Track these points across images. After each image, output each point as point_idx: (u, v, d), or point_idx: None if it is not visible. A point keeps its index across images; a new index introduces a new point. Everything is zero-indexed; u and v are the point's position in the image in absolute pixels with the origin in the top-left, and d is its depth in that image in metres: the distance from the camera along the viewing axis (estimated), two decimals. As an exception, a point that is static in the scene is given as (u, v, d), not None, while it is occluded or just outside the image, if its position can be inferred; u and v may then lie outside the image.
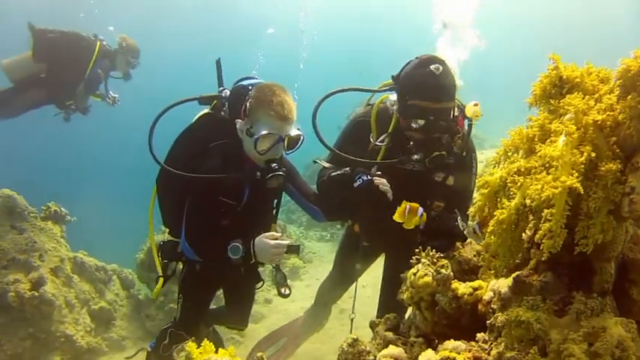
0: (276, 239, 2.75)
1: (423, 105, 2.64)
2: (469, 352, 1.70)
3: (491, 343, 1.69)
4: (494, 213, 1.49)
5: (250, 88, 2.78)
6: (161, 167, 2.92)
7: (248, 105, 2.68)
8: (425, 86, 2.63)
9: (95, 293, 5.45)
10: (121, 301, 5.76)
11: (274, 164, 2.75)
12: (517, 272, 1.58)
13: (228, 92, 2.96)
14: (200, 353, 1.82)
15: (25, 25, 5.45)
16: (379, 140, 2.84)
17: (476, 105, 2.72)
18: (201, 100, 3.00)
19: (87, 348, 4.93)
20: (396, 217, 2.53)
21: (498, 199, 1.56)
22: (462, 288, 1.87)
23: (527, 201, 1.42)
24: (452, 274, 1.91)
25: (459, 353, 1.69)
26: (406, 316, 3.03)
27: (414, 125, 2.67)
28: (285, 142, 2.71)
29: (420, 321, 2.07)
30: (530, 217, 1.48)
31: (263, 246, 2.71)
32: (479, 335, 1.76)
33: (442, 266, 1.91)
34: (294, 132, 2.72)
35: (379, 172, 2.77)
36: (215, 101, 2.97)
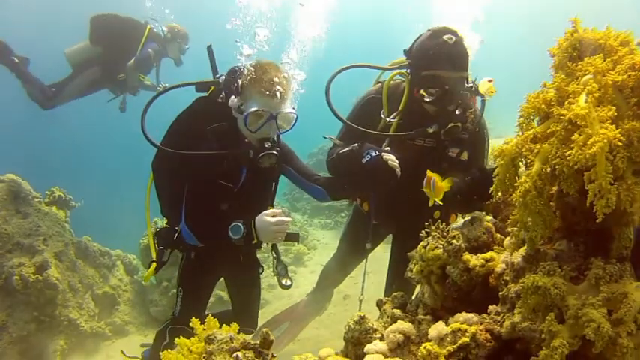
0: (276, 216, 2.71)
1: (438, 74, 2.63)
2: (481, 324, 1.67)
3: (504, 315, 1.66)
4: (517, 184, 1.45)
5: (243, 67, 2.72)
6: (157, 150, 2.88)
7: (240, 82, 2.64)
8: (439, 55, 2.61)
9: (99, 278, 5.45)
10: (124, 287, 5.76)
11: (267, 144, 2.70)
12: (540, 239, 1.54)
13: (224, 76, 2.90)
14: (204, 329, 1.79)
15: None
16: (391, 117, 2.81)
17: (490, 81, 2.69)
18: (198, 86, 2.95)
19: (90, 332, 4.95)
20: (426, 190, 2.43)
21: (516, 168, 1.52)
22: (474, 260, 1.84)
23: (547, 167, 1.39)
24: (463, 245, 1.88)
25: (470, 325, 1.67)
26: (413, 296, 3.02)
27: (427, 98, 2.65)
28: (277, 121, 2.67)
29: (430, 296, 2.04)
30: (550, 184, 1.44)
31: (264, 224, 2.67)
32: (491, 307, 1.73)
33: (453, 237, 1.88)
34: (286, 109, 2.68)
35: (388, 148, 2.74)
36: (212, 87, 2.91)
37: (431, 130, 2.68)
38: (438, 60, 2.62)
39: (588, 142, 1.17)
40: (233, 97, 2.69)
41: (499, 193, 1.67)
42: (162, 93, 2.86)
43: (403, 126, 2.80)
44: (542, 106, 1.43)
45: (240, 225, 2.65)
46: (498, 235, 2.11)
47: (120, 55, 5.93)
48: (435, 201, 2.40)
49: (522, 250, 1.64)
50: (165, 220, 3.16)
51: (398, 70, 2.91)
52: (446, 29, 2.65)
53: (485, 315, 1.73)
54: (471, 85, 2.73)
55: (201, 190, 2.79)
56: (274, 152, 2.70)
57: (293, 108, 2.73)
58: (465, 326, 1.65)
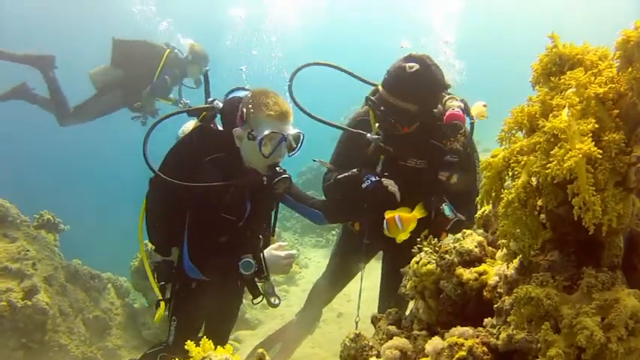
0: (283, 249, 2.75)
1: (381, 93, 2.71)
2: (477, 337, 1.67)
3: (500, 327, 1.67)
4: (502, 195, 1.47)
5: (244, 96, 2.74)
6: (152, 181, 2.85)
7: (245, 110, 2.63)
8: (390, 77, 2.69)
9: (90, 302, 5.37)
10: (115, 310, 5.68)
11: (279, 168, 2.71)
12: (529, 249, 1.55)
13: (220, 103, 2.90)
14: (198, 352, 1.77)
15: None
16: (372, 135, 2.84)
17: (484, 106, 2.72)
18: (189, 113, 2.95)
19: (82, 357, 4.83)
20: (391, 233, 2.49)
21: (503, 181, 1.55)
22: (467, 273, 1.85)
23: (533, 179, 1.42)
24: (456, 259, 1.89)
25: (466, 339, 1.67)
26: (407, 312, 3.02)
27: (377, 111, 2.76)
28: (287, 143, 2.67)
29: (424, 311, 2.04)
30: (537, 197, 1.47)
31: (274, 259, 2.69)
32: (486, 320, 1.74)
33: (446, 252, 1.89)
34: (294, 130, 2.69)
35: (386, 173, 2.77)
36: (204, 113, 2.90)
37: (369, 136, 2.79)
38: (388, 80, 2.70)
39: (565, 157, 1.20)
40: (238, 127, 2.67)
41: (485, 205, 1.70)
42: (157, 123, 2.80)
43: (386, 141, 2.84)
44: (525, 120, 1.45)
45: (252, 261, 2.64)
46: (490, 248, 2.13)
47: (139, 80, 6.15)
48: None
49: (515, 263, 1.65)
50: (153, 248, 3.09)
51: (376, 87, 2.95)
52: (417, 57, 2.67)
53: (480, 328, 1.73)
54: (462, 106, 2.74)
55: (205, 223, 2.74)
56: (287, 176, 2.71)
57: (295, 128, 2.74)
58: (461, 340, 1.65)
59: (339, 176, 2.90)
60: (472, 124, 2.85)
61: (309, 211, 3.07)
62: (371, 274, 3.74)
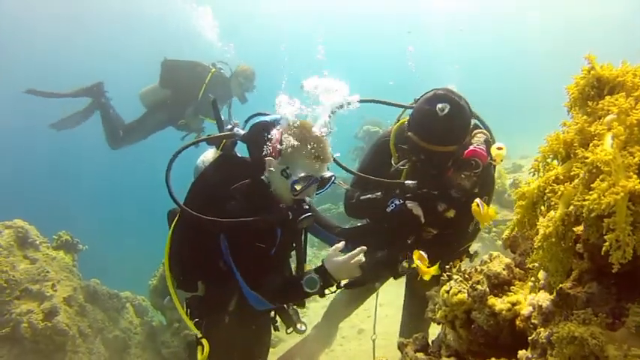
0: (340, 251, 2.57)
1: (416, 141, 2.60)
2: (512, 371, 1.61)
3: (535, 361, 1.60)
4: (537, 226, 1.41)
5: (275, 124, 2.64)
6: (178, 216, 2.77)
7: (284, 145, 2.54)
8: (422, 124, 2.59)
9: (109, 322, 5.36)
10: (135, 329, 5.67)
11: (304, 204, 2.65)
12: (560, 285, 1.49)
13: (240, 130, 2.83)
14: None
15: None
16: (401, 164, 2.81)
17: (500, 149, 2.63)
18: (209, 141, 2.91)
19: (102, 378, 4.84)
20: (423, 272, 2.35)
21: (537, 211, 1.48)
22: (500, 304, 1.78)
23: (571, 209, 1.35)
24: (488, 289, 1.83)
25: (500, 373, 1.60)
26: (430, 333, 2.95)
27: (414, 158, 2.68)
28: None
29: (454, 340, 1.98)
30: (576, 228, 1.40)
31: (338, 265, 2.53)
32: (520, 353, 1.66)
33: (477, 282, 1.83)
34: (328, 173, 2.62)
35: (409, 195, 2.73)
36: (224, 141, 2.84)
37: (408, 183, 2.72)
38: (421, 128, 2.59)
39: (607, 192, 1.13)
40: (272, 159, 2.58)
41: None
42: (178, 154, 2.73)
43: (412, 172, 2.80)
44: (561, 148, 1.39)
45: (314, 276, 2.51)
46: (517, 269, 2.06)
47: (185, 100, 6.30)
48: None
49: (551, 293, 1.58)
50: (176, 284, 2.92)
51: (405, 119, 2.89)
52: (444, 96, 2.57)
53: None
54: (480, 147, 2.67)
55: (248, 252, 2.63)
56: (312, 214, 2.65)
57: (328, 169, 2.66)
58: (494, 375, 1.59)
59: (362, 197, 2.88)
60: (494, 167, 2.78)
61: (333, 239, 2.99)
62: (387, 289, 3.68)
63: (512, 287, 1.96)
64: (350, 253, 2.51)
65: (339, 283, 2.59)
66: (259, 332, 3.11)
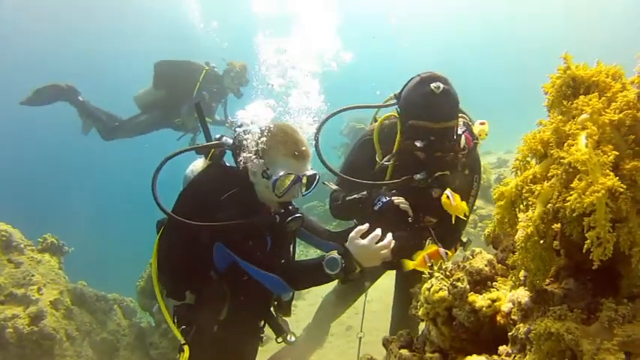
0: (365, 233, 2.38)
1: (422, 125, 2.61)
2: (492, 367, 1.63)
3: (515, 356, 1.62)
4: (517, 227, 1.43)
5: (259, 130, 2.61)
6: (168, 225, 2.72)
7: (262, 146, 2.53)
8: (424, 106, 2.60)
9: (97, 324, 5.33)
10: (123, 331, 5.63)
11: (291, 206, 2.62)
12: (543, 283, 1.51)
13: (229, 139, 2.79)
14: None
15: None
16: (385, 160, 2.82)
17: (482, 124, 2.69)
18: (197, 150, 2.86)
19: (90, 381, 4.81)
20: (419, 267, 2.32)
21: (517, 210, 1.51)
22: (480, 301, 1.81)
23: (549, 207, 1.38)
24: (468, 286, 1.85)
25: (482, 369, 1.63)
26: (419, 330, 2.97)
27: (417, 144, 2.65)
28: (303, 183, 2.57)
29: (437, 336, 2.00)
30: (554, 225, 1.43)
31: (362, 248, 2.35)
32: (501, 348, 1.70)
33: (458, 279, 1.85)
34: (310, 171, 2.59)
35: (394, 191, 2.74)
36: (212, 150, 2.79)
37: (418, 177, 2.69)
38: (422, 111, 2.60)
39: (587, 191, 1.16)
40: (255, 160, 2.56)
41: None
42: (168, 159, 2.67)
43: (399, 167, 2.80)
44: (539, 147, 1.41)
45: (336, 257, 2.35)
46: (499, 265, 2.09)
47: (179, 99, 6.31)
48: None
49: (529, 290, 1.61)
50: (165, 293, 2.84)
51: (389, 114, 2.92)
52: (435, 76, 2.62)
53: (495, 357, 1.69)
54: (464, 130, 2.72)
55: (257, 247, 2.56)
56: (300, 215, 2.62)
57: (312, 168, 2.63)
58: (476, 370, 1.61)
59: (348, 198, 2.87)
60: (476, 144, 2.81)
61: (324, 243, 2.96)
62: (376, 285, 3.70)
63: (495, 283, 1.99)
64: (372, 234, 2.36)
65: (362, 268, 2.40)
66: (248, 340, 3.05)
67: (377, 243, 2.36)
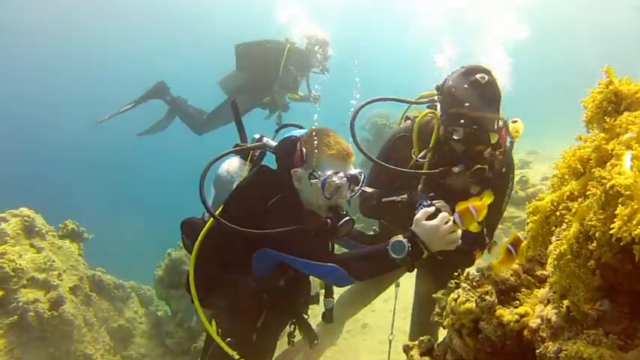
0: (431, 214, 2.27)
1: (465, 113, 2.59)
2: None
3: (542, 376, 1.59)
4: (551, 245, 1.39)
5: (302, 136, 2.61)
6: (211, 230, 2.62)
7: (305, 150, 2.50)
8: (469, 94, 2.58)
9: (114, 311, 5.41)
10: (139, 319, 5.71)
11: (342, 210, 2.55)
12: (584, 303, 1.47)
13: (270, 141, 2.79)
14: None
15: None
16: (421, 156, 2.79)
17: (515, 122, 2.66)
18: (237, 153, 2.83)
19: (106, 367, 4.89)
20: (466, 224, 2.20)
21: (550, 225, 1.46)
22: (508, 315, 1.77)
23: (585, 228, 1.33)
24: (496, 300, 1.81)
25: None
26: (439, 335, 2.94)
27: (455, 136, 2.63)
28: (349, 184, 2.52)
29: (460, 347, 1.97)
30: (589, 245, 1.38)
31: (430, 230, 2.23)
32: (528, 367, 1.66)
33: (486, 292, 1.81)
34: (355, 171, 2.55)
35: (432, 194, 2.68)
36: (251, 152, 2.77)
37: (456, 170, 2.64)
38: (467, 98, 2.58)
39: (634, 219, 1.11)
40: (297, 168, 2.54)
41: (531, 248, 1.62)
42: (211, 164, 2.62)
43: (434, 164, 2.77)
44: (578, 165, 1.37)
45: (402, 240, 2.24)
46: (525, 275, 2.05)
47: (265, 78, 6.35)
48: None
49: (560, 309, 1.56)
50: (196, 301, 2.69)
51: (428, 111, 2.88)
52: (479, 68, 2.62)
53: None
54: (501, 127, 2.69)
55: (309, 245, 2.49)
56: (350, 218, 2.53)
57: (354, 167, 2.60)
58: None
59: (384, 199, 2.81)
60: (512, 143, 2.78)
61: (359, 246, 2.93)
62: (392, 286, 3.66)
63: (519, 294, 1.95)
64: (442, 214, 2.25)
65: (430, 253, 2.29)
66: (274, 342, 3.03)
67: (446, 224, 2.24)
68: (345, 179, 2.47)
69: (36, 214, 5.15)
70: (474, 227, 2.20)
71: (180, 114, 6.79)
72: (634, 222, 1.10)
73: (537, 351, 1.64)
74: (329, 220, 2.48)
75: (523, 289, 1.97)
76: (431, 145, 2.78)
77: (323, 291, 2.98)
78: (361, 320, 5.51)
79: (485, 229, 2.84)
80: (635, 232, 1.08)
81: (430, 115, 2.87)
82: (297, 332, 2.99)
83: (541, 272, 1.97)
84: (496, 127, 2.66)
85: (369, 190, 2.89)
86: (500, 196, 2.88)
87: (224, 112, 6.56)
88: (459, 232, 2.26)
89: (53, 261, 4.87)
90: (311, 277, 2.89)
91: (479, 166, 2.62)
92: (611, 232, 1.15)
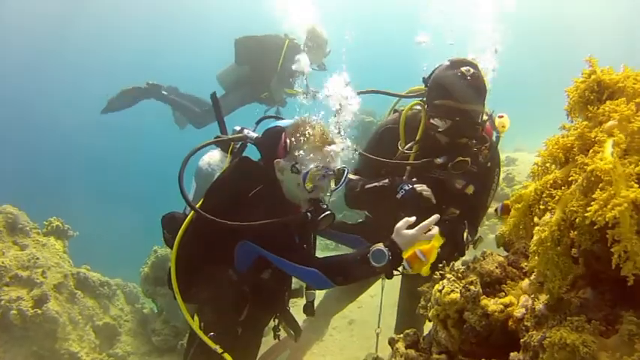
0: (412, 224, 2.27)
1: (449, 104, 2.60)
2: (504, 374, 1.60)
3: (526, 364, 1.59)
4: (534, 231, 1.40)
5: (286, 127, 2.58)
6: (192, 223, 2.59)
7: (288, 142, 2.48)
8: (454, 86, 2.59)
9: (99, 309, 5.35)
10: (125, 316, 5.65)
11: (322, 204, 2.51)
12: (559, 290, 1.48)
13: (251, 133, 2.75)
14: None
15: None
16: (407, 148, 2.79)
17: (501, 117, 2.68)
18: (218, 144, 2.79)
19: (92, 365, 4.83)
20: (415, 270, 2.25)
21: (533, 214, 1.47)
22: (493, 305, 1.78)
23: (568, 214, 1.34)
24: (481, 290, 1.82)
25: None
26: (424, 329, 2.94)
27: (440, 128, 2.63)
28: (331, 177, 2.51)
29: (446, 339, 1.97)
30: (572, 233, 1.39)
31: (409, 239, 2.24)
32: (512, 355, 1.66)
33: (471, 282, 1.82)
34: (340, 165, 2.52)
35: (415, 179, 2.70)
36: (232, 144, 2.74)
37: (439, 161, 2.65)
38: (452, 90, 2.59)
39: (610, 203, 1.12)
40: (280, 159, 2.51)
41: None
42: (190, 155, 2.55)
43: (420, 157, 2.77)
44: (560, 154, 1.38)
45: (383, 249, 2.24)
46: (510, 267, 2.05)
47: (264, 73, 6.29)
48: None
49: (543, 298, 1.58)
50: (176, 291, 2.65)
51: (416, 100, 2.89)
52: (465, 61, 2.64)
53: None
54: (487, 118, 2.70)
55: (291, 242, 2.50)
56: (331, 212, 2.50)
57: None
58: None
59: (367, 185, 2.81)
60: (498, 137, 2.79)
61: (347, 237, 2.93)
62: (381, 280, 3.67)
63: (504, 286, 1.96)
64: (422, 224, 2.25)
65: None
66: (259, 336, 3.02)
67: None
68: (327, 173, 2.46)
69: (20, 212, 5.08)
70: (424, 271, 2.22)
71: (180, 110, 6.74)
72: (609, 206, 1.11)
73: (522, 340, 1.65)
74: (309, 214, 2.46)
75: (509, 281, 1.98)
76: (417, 138, 2.78)
77: (304, 284, 2.95)
78: (348, 317, 5.50)
79: (467, 235, 2.83)
80: (608, 216, 1.08)
81: (417, 107, 2.88)
82: (281, 327, 2.97)
83: (526, 264, 1.98)
84: (480, 120, 2.67)
85: (353, 177, 2.89)
86: (486, 190, 2.89)
87: (225, 106, 6.50)
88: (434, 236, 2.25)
89: (37, 258, 4.80)
90: None
91: (460, 158, 2.63)
92: (586, 214, 1.16)
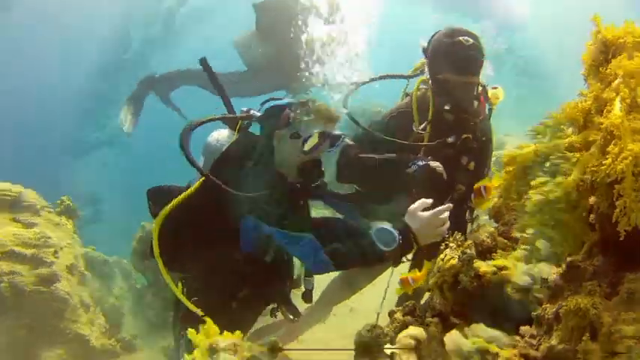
0: (427, 207, 2.15)
1: (451, 78, 2.61)
2: (514, 347, 1.55)
3: (540, 338, 1.53)
4: (531, 193, 1.38)
5: (289, 102, 2.60)
6: (201, 183, 2.49)
7: (292, 114, 2.48)
8: (452, 57, 2.59)
9: (106, 290, 5.37)
10: (125, 295, 5.68)
11: (319, 167, 2.51)
12: (570, 258, 1.45)
13: (257, 113, 2.72)
14: (203, 340, 1.66)
15: None
16: (421, 128, 2.76)
17: (495, 88, 2.67)
18: (225, 121, 2.75)
19: (100, 349, 4.80)
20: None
21: (529, 176, 1.46)
22: (484, 266, 1.79)
23: (587, 176, 1.33)
24: (475, 253, 1.85)
25: (501, 348, 1.56)
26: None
27: (446, 107, 2.63)
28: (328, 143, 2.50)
29: (440, 303, 1.96)
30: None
31: (423, 222, 2.12)
32: (524, 329, 1.62)
33: (467, 247, 1.86)
34: (337, 131, 2.51)
35: (430, 157, 2.66)
36: (239, 122, 2.71)
37: (450, 141, 2.65)
38: (452, 62, 2.59)
39: (619, 157, 1.11)
40: (280, 131, 2.50)
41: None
42: (198, 125, 2.56)
43: (433, 135, 2.75)
44: (580, 117, 1.36)
45: (392, 231, 2.09)
46: (500, 238, 2.07)
47: (290, 47, 6.07)
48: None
49: (559, 267, 1.55)
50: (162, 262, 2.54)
51: (421, 78, 2.87)
52: (463, 30, 2.61)
53: (518, 337, 1.59)
54: (481, 90, 2.70)
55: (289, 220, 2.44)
56: (324, 181, 2.53)
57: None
58: (494, 348, 1.55)
59: (362, 155, 2.77)
60: (490, 110, 2.79)
61: (342, 206, 2.88)
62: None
63: (494, 254, 1.97)
64: (438, 208, 2.14)
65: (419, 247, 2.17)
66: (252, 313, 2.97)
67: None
68: (325, 136, 2.44)
69: (26, 189, 5.03)
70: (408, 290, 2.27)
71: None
72: (619, 159, 1.10)
73: (533, 313, 1.60)
74: (298, 185, 2.47)
75: (499, 251, 1.99)
76: (429, 118, 2.76)
77: (303, 270, 2.94)
78: (348, 305, 5.48)
79: (469, 213, 2.86)
80: (618, 168, 1.08)
81: (423, 86, 2.86)
82: (280, 311, 2.95)
83: (519, 234, 1.96)
84: (476, 93, 2.67)
85: (349, 142, 2.82)
86: (486, 164, 2.89)
87: (243, 87, 6.38)
88: (448, 223, 2.19)
89: (49, 237, 4.73)
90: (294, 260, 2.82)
91: (465, 135, 2.64)
92: (601, 168, 1.15)
